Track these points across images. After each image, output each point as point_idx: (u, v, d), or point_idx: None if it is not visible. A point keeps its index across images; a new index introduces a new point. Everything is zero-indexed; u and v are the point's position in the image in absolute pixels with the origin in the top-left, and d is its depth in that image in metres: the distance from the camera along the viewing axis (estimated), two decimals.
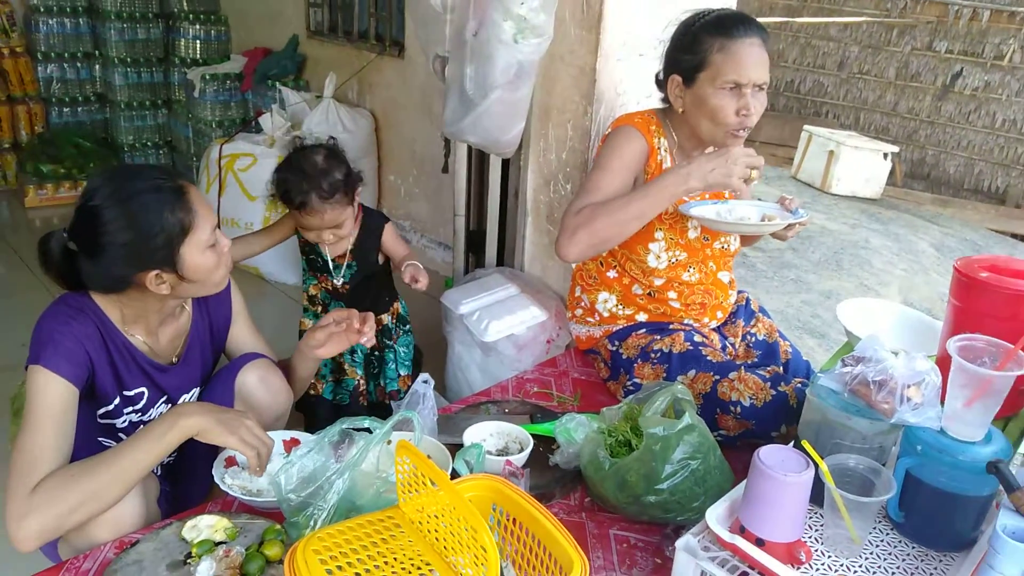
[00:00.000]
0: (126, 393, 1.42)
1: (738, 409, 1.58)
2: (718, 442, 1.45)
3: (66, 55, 4.70)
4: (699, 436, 1.38)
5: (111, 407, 1.41)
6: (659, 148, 1.74)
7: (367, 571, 1.00)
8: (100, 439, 1.45)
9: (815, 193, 5.51)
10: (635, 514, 1.41)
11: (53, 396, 1.25)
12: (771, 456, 1.14)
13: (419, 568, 1.02)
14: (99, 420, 1.42)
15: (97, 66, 4.85)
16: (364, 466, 1.25)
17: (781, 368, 1.87)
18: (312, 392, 2.09)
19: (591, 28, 1.99)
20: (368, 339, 1.57)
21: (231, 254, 1.45)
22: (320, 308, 2.13)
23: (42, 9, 4.57)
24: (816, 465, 1.13)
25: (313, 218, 1.88)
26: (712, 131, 1.66)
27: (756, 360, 1.90)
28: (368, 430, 1.29)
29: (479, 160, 2.48)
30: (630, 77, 2.06)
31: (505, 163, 2.39)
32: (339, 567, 0.98)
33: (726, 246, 1.85)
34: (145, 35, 4.79)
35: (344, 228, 1.94)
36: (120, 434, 1.47)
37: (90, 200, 1.28)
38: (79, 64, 4.77)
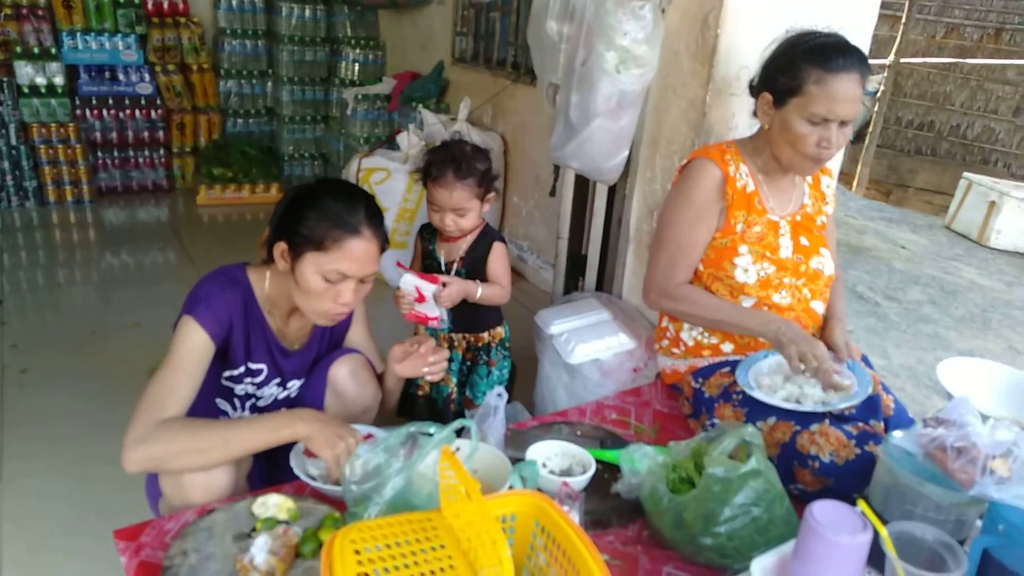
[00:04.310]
0: (251, 365, 1.58)
1: (816, 464, 1.49)
2: (794, 496, 1.38)
3: (244, 72, 5.25)
4: (765, 483, 1.32)
5: (236, 373, 1.57)
6: (737, 175, 1.74)
7: (396, 568, 1.04)
8: (217, 400, 1.61)
9: (969, 245, 5.06)
10: (691, 554, 1.36)
11: (195, 346, 1.42)
12: (825, 512, 1.08)
13: (445, 571, 1.05)
14: (222, 382, 1.58)
15: (269, 83, 5.38)
16: (421, 468, 1.30)
17: (882, 423, 1.74)
18: (420, 393, 2.19)
19: (704, 61, 1.97)
20: (432, 374, 1.64)
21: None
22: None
23: (228, 32, 5.14)
24: (875, 529, 1.06)
25: (442, 192, 1.96)
26: (791, 156, 1.67)
27: (853, 412, 1.78)
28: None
29: (585, 186, 2.51)
30: (742, 112, 2.02)
31: (611, 190, 2.41)
32: (370, 559, 1.04)
33: (820, 267, 1.80)
34: (312, 57, 5.26)
35: (466, 219, 2.01)
36: (235, 400, 1.63)
37: (333, 183, 1.54)
38: (254, 81, 5.31)
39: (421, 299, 1.92)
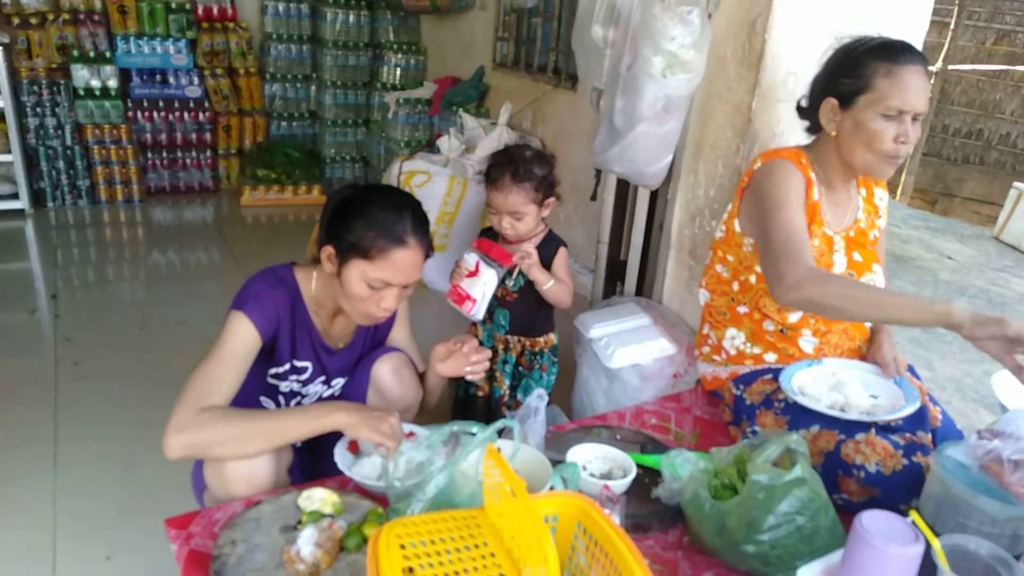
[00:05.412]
0: (296, 363, 1.62)
1: (862, 474, 1.47)
2: (838, 507, 1.36)
3: (288, 76, 5.35)
4: (810, 492, 1.30)
5: (281, 370, 1.61)
6: (813, 181, 1.71)
7: (440, 563, 1.05)
8: (261, 397, 1.64)
9: (1019, 257, 4.92)
10: (733, 562, 1.35)
11: (242, 339, 1.45)
12: (875, 522, 1.06)
13: (488, 568, 1.06)
14: (268, 380, 1.62)
15: (312, 87, 5.47)
16: (464, 467, 1.31)
17: (930, 435, 1.71)
18: (481, 394, 2.22)
19: (751, 67, 1.96)
20: (473, 373, 1.66)
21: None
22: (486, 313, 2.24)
23: (274, 37, 5.24)
24: (927, 541, 1.04)
25: (498, 195, 2.00)
26: (865, 157, 1.62)
27: (900, 424, 1.75)
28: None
29: (627, 191, 2.51)
30: (789, 118, 1.99)
31: (653, 195, 2.40)
32: (415, 555, 1.05)
33: (872, 282, 1.77)
34: (355, 62, 5.33)
35: (522, 223, 2.03)
36: (280, 396, 1.66)
37: (382, 190, 1.54)
38: (298, 85, 5.41)
39: (473, 274, 1.97)
